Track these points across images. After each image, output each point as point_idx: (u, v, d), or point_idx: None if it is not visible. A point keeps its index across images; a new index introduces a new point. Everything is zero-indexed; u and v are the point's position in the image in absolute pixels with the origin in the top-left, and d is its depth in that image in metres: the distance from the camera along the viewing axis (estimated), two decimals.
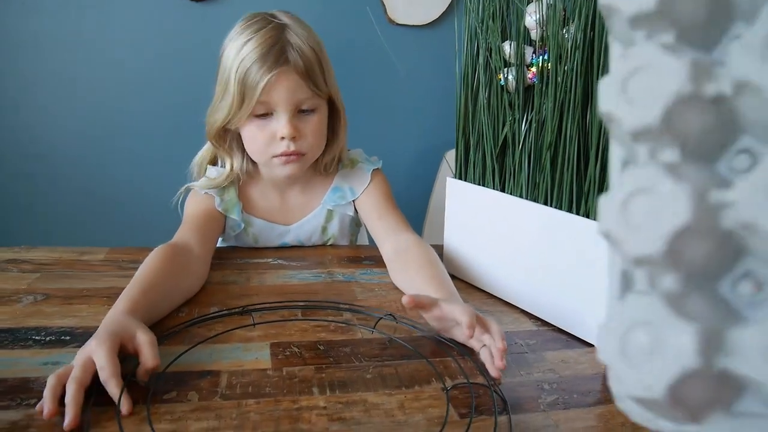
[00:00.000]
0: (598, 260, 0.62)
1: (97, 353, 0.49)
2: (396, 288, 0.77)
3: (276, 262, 0.85)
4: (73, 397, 0.45)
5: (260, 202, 0.93)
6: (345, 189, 0.94)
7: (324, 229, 0.97)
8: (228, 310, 0.67)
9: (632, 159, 0.30)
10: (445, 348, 0.61)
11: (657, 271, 0.27)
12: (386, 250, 0.84)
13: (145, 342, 0.52)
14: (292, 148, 0.82)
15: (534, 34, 0.69)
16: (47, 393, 0.46)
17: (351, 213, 0.95)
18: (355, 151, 0.98)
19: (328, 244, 0.98)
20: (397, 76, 1.46)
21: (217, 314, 0.65)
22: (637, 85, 0.28)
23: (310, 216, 0.95)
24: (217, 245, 0.90)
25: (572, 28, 0.63)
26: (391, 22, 1.50)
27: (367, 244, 1.10)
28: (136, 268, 0.69)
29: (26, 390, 0.49)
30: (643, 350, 0.26)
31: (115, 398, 0.47)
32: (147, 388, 0.49)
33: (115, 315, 0.56)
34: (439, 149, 1.57)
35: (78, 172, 1.52)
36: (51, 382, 0.47)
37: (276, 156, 0.83)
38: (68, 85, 1.45)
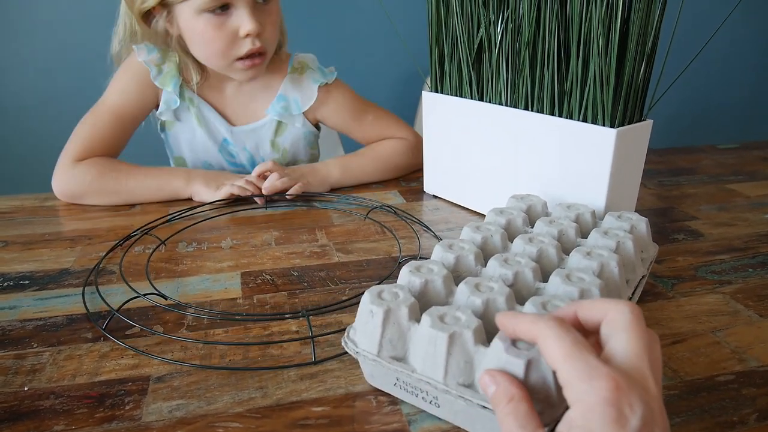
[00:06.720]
0: (583, 162, 0.58)
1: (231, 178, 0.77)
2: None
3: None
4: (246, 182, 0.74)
5: (209, 85, 0.84)
6: (290, 100, 0.86)
7: (274, 144, 0.88)
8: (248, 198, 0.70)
9: None
10: None
11: None
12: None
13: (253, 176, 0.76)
14: (258, 44, 0.74)
15: None
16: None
17: (299, 125, 0.88)
18: (306, 55, 0.88)
19: (284, 159, 0.90)
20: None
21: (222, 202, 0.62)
22: None
23: (256, 125, 0.87)
24: (162, 132, 0.89)
25: None
26: None
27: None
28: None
29: None
30: None
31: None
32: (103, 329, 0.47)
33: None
34: (420, 75, 1.50)
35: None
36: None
37: (240, 59, 0.76)
38: None
